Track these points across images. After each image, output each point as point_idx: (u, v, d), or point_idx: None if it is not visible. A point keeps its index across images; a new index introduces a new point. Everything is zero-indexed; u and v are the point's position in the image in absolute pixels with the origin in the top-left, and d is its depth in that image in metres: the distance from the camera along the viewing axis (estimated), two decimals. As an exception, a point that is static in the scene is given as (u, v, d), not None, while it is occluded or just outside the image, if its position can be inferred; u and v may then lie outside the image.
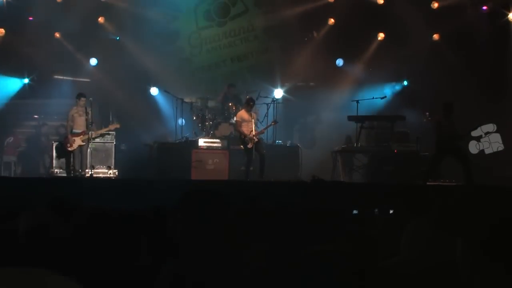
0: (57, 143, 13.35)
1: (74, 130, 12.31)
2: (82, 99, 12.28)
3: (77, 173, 12.16)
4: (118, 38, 15.33)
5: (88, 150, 12.41)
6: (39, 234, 3.51)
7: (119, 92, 14.61)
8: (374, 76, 15.32)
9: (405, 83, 15.66)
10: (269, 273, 2.24)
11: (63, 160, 13.15)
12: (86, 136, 12.29)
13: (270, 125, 12.72)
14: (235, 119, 12.78)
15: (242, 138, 12.26)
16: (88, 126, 12.28)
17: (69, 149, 12.26)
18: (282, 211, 3.48)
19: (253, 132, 12.08)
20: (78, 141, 12.22)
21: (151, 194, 7.62)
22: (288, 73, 15.36)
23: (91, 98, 12.39)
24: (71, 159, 12.31)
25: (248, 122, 12.20)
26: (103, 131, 12.64)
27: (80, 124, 12.28)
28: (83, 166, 12.29)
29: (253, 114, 12.38)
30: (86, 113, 12.26)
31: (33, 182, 10.04)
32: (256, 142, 12.08)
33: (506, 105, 13.87)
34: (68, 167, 12.43)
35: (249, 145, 12.13)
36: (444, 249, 2.12)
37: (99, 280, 2.40)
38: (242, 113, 12.40)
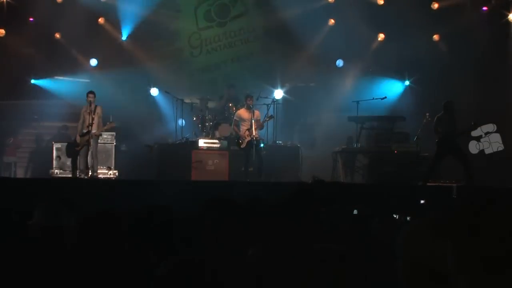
0: (58, 143, 13.35)
1: (83, 130, 12.07)
2: (89, 95, 11.97)
3: (81, 174, 12.01)
4: (124, 38, 15.34)
5: (90, 150, 12.12)
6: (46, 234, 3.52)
7: (119, 93, 14.62)
8: (374, 76, 15.33)
9: (405, 83, 15.67)
10: (273, 272, 2.24)
11: (63, 161, 13.14)
12: (96, 136, 12.06)
13: (266, 120, 12.61)
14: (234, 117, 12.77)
15: (236, 138, 12.31)
16: (96, 125, 11.99)
17: (77, 149, 12.11)
18: (281, 211, 3.48)
19: (252, 131, 12.04)
20: (83, 141, 12.05)
21: (151, 195, 7.63)
22: (288, 73, 15.36)
23: (91, 100, 12.16)
24: (77, 160, 12.15)
25: (247, 121, 12.17)
26: (102, 130, 12.45)
27: (87, 123, 11.95)
28: (94, 167, 12.05)
29: (255, 112, 12.32)
30: (94, 112, 11.96)
31: (33, 183, 10.04)
32: (256, 142, 12.05)
33: (506, 105, 13.87)
34: (74, 168, 12.24)
35: (242, 145, 12.12)
36: (438, 253, 2.11)
37: (102, 280, 2.41)
38: (241, 112, 12.39)
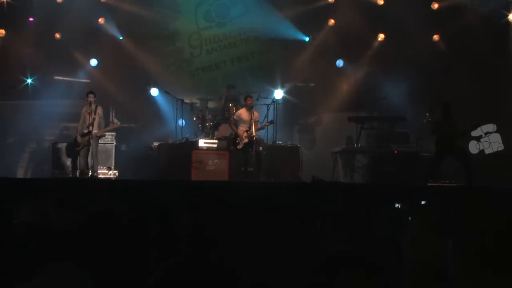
0: (58, 143, 13.35)
1: (83, 130, 12.06)
2: (89, 95, 12.02)
3: (81, 174, 11.99)
4: (121, 37, 15.32)
5: (90, 150, 12.11)
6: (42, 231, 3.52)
7: (119, 93, 14.61)
8: (374, 76, 15.32)
9: (405, 83, 15.65)
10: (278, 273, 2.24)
11: (63, 161, 13.15)
12: (97, 136, 12.03)
13: (266, 124, 12.63)
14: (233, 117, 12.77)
15: (234, 138, 12.32)
16: (97, 125, 11.97)
17: (77, 149, 12.10)
18: (282, 211, 3.48)
19: (250, 132, 12.05)
20: (84, 141, 12.05)
21: (151, 195, 7.62)
22: (289, 73, 15.36)
23: (91, 100, 12.17)
24: (77, 160, 12.14)
25: (246, 122, 12.17)
26: (104, 130, 12.46)
27: (87, 123, 11.95)
28: (94, 167, 12.04)
29: (254, 113, 12.33)
30: (94, 112, 11.96)
31: (33, 183, 10.03)
32: (255, 142, 12.06)
33: (506, 105, 13.87)
34: (73, 168, 12.23)
35: (238, 146, 12.13)
36: (441, 253, 2.12)
37: (103, 279, 2.41)
38: (241, 112, 12.40)
